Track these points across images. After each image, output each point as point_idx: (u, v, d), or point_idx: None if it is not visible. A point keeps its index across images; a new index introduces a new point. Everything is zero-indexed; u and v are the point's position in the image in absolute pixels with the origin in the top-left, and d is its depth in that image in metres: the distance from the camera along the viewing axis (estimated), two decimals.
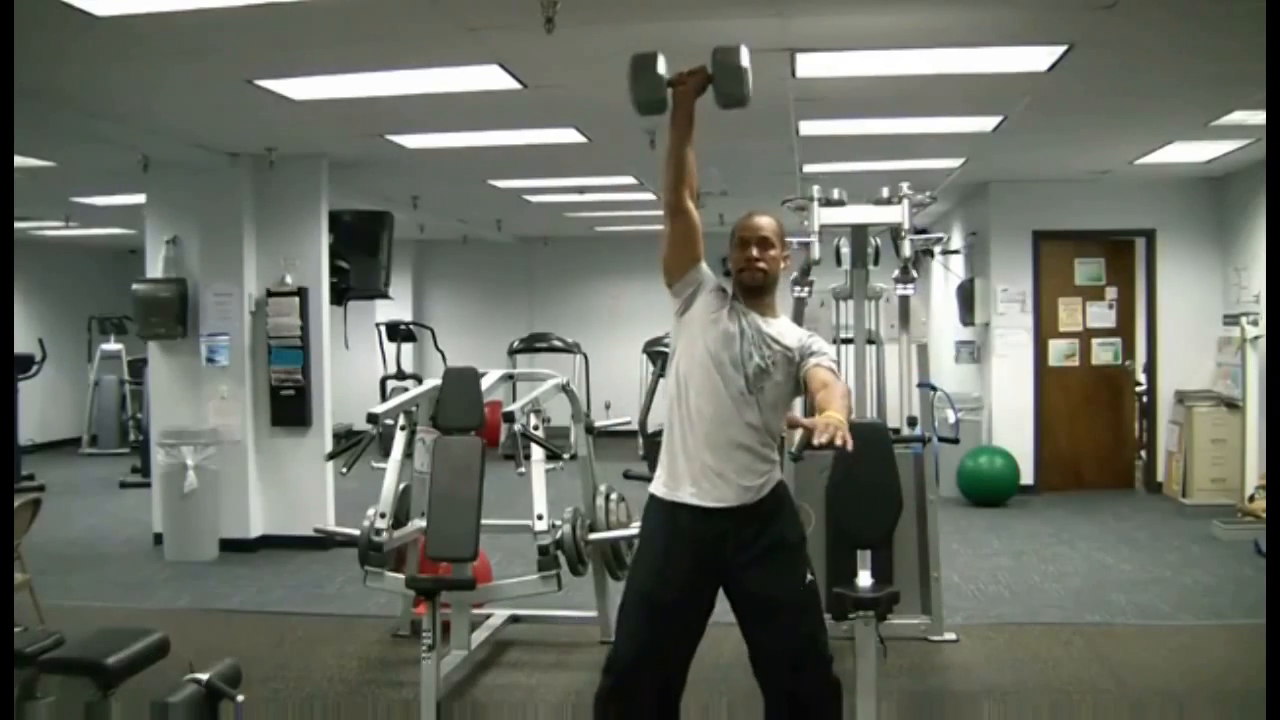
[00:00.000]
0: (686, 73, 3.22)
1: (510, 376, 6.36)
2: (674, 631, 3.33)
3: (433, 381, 5.49)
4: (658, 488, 3.40)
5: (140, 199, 8.26)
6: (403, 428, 5.27)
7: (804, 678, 3.33)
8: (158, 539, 7.91)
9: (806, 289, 5.48)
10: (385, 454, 5.27)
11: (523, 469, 5.22)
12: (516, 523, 5.51)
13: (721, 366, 3.29)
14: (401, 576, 4.99)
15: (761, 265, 3.36)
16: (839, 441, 2.85)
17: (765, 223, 3.42)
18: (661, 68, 3.24)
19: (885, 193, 5.39)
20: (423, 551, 4.93)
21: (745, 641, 3.42)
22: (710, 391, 3.28)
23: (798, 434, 5.36)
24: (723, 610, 3.40)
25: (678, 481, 3.32)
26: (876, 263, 5.60)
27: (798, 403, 3.53)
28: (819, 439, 2.85)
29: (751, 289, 3.39)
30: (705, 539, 3.29)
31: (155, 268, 8.04)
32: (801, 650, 3.32)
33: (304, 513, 7.65)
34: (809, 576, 3.38)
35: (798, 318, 5.59)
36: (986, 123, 6.88)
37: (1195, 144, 7.72)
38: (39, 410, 13.11)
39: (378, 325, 13.49)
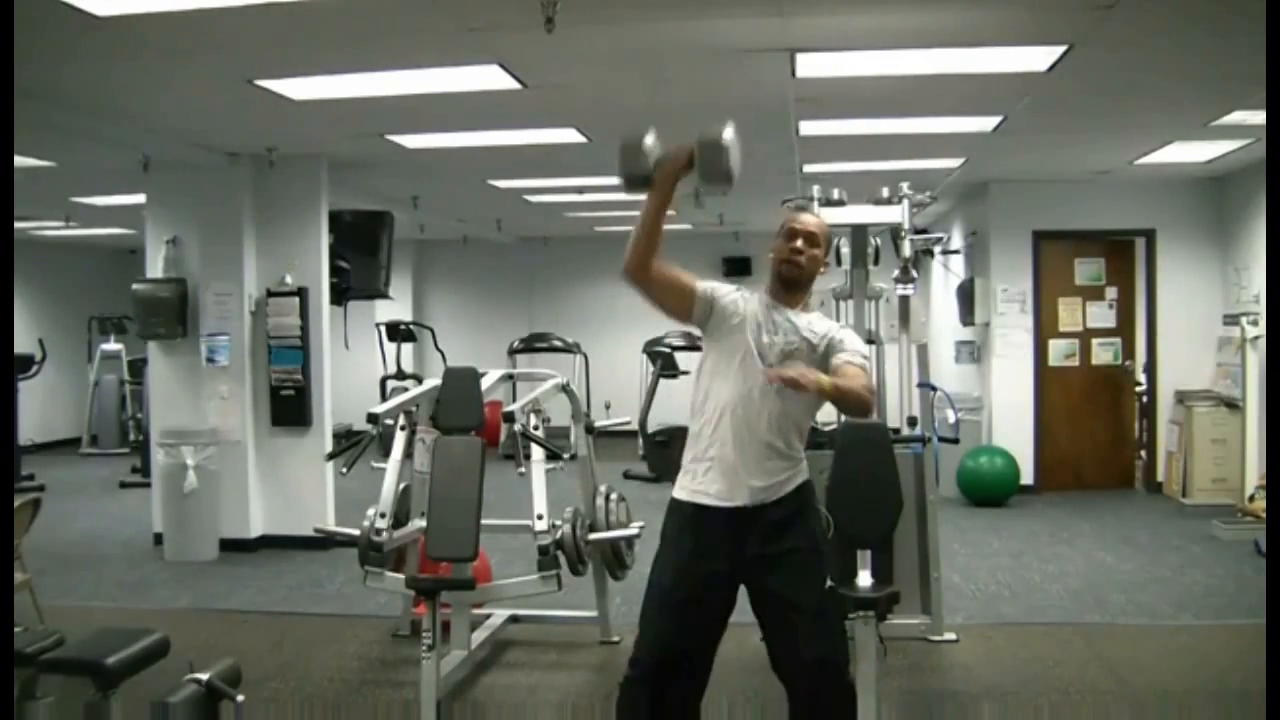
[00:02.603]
0: (673, 150, 3.26)
1: (510, 376, 6.36)
2: (693, 628, 3.35)
3: (433, 381, 5.48)
4: (678, 491, 3.42)
5: (140, 199, 8.25)
6: (403, 428, 5.26)
7: (821, 683, 3.34)
8: (158, 539, 7.91)
9: None
10: (385, 454, 5.27)
11: (523, 469, 5.23)
12: (516, 523, 5.50)
13: (747, 355, 3.31)
14: (401, 576, 4.98)
15: (801, 260, 3.40)
16: (804, 383, 3.04)
17: (815, 222, 3.48)
18: (650, 140, 3.29)
19: (885, 193, 5.40)
20: (423, 551, 4.91)
21: (765, 644, 3.46)
22: (734, 381, 3.31)
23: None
24: (741, 610, 3.41)
25: (697, 482, 3.34)
26: (876, 263, 5.60)
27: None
28: (782, 376, 3.03)
29: (787, 282, 3.42)
30: (725, 539, 3.31)
31: (155, 268, 8.03)
32: (819, 659, 3.33)
33: (304, 513, 7.64)
34: (829, 583, 3.41)
35: None
36: (986, 123, 6.88)
37: (1195, 144, 7.72)
38: (39, 410, 13.09)
39: (378, 325, 13.48)
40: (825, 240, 3.47)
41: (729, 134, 3.23)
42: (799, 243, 3.40)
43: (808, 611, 3.31)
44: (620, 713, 3.44)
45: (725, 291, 3.42)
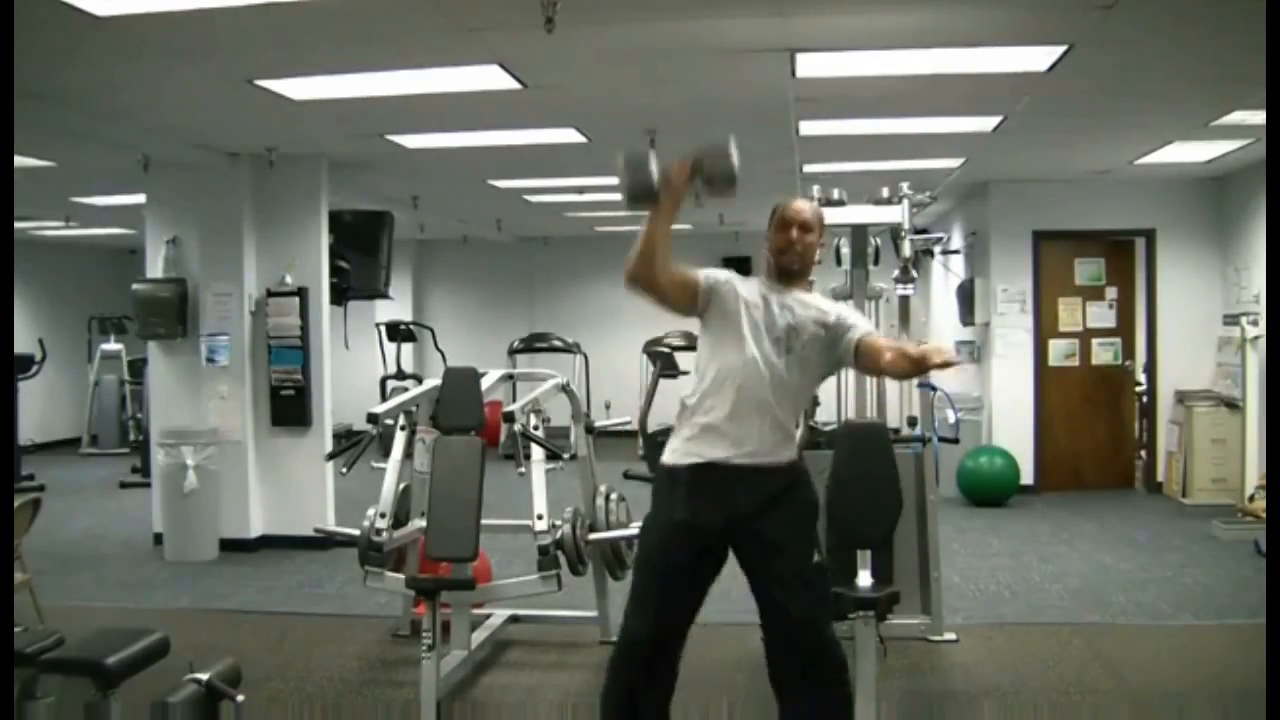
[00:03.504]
0: (675, 163, 3.25)
1: (510, 376, 6.35)
2: (681, 600, 3.36)
3: (433, 381, 5.48)
4: (668, 456, 3.44)
5: (140, 199, 8.24)
6: (403, 428, 5.26)
7: (808, 640, 3.35)
8: (158, 539, 7.89)
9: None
10: (385, 454, 5.27)
11: (523, 469, 5.23)
12: (516, 523, 5.50)
13: (755, 327, 3.34)
14: (401, 576, 4.98)
15: (799, 249, 3.43)
16: (950, 359, 3.12)
17: (809, 208, 3.51)
18: (653, 164, 3.28)
19: (885, 193, 5.39)
20: (423, 551, 4.91)
21: (756, 604, 3.45)
22: (735, 353, 3.33)
23: (798, 433, 5.38)
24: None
25: (690, 445, 3.36)
26: (876, 263, 5.59)
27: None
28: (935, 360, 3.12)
29: (787, 271, 3.44)
30: (718, 492, 3.32)
31: (155, 268, 8.02)
32: (808, 621, 3.34)
33: (304, 513, 7.63)
34: (817, 557, 3.42)
35: None
36: (986, 123, 6.87)
37: (1195, 144, 7.70)
38: (39, 410, 13.07)
39: (378, 325, 13.46)
40: (819, 224, 3.49)
41: (731, 142, 3.24)
42: (794, 232, 3.43)
43: (796, 569, 3.33)
44: (609, 695, 3.44)
45: (723, 277, 3.45)
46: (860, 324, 3.42)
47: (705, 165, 3.24)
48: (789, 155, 7.80)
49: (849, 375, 5.59)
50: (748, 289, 3.42)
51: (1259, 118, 6.57)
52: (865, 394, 5.49)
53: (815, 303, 3.46)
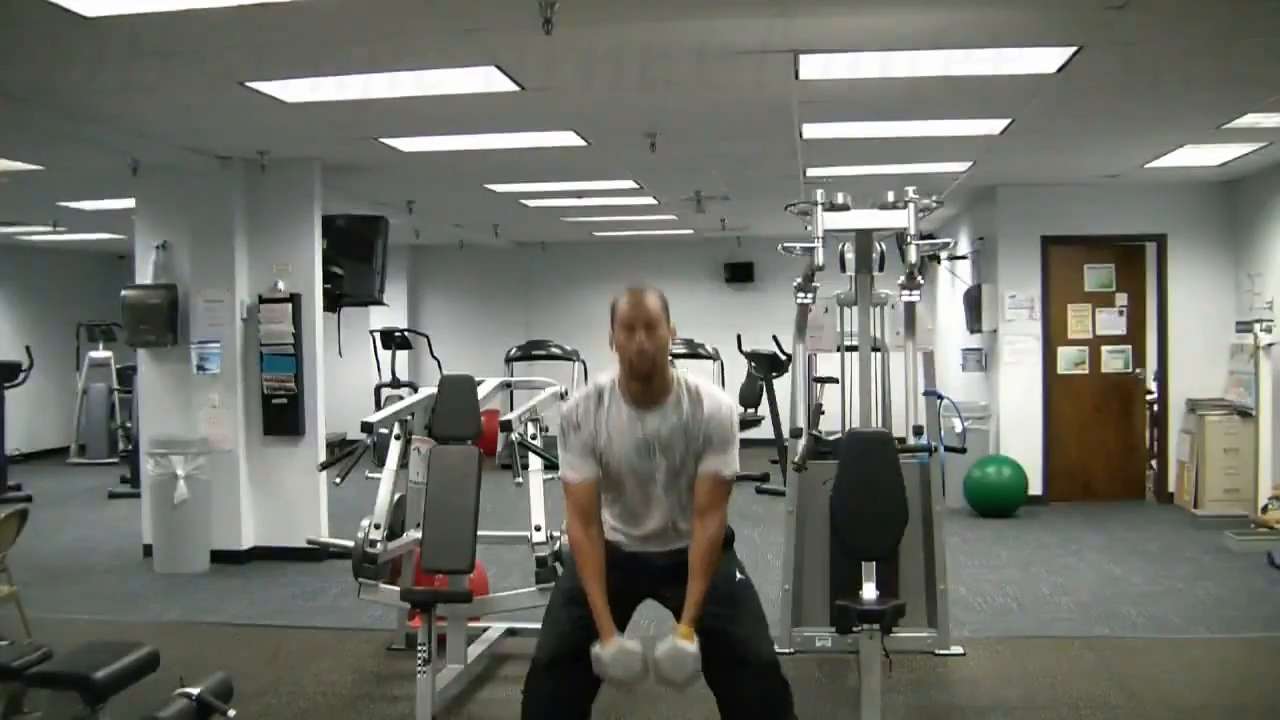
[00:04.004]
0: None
1: (507, 384, 6.39)
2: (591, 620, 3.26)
3: (428, 390, 5.47)
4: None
5: (129, 203, 8.22)
6: (398, 437, 5.23)
7: (750, 675, 3.25)
8: (147, 550, 7.84)
9: (810, 295, 5.39)
10: (380, 464, 5.22)
11: (520, 479, 5.24)
12: (514, 534, 5.51)
13: (633, 475, 3.25)
14: (396, 589, 4.98)
15: (650, 349, 3.19)
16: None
17: (651, 302, 3.22)
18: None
19: (890, 197, 5.30)
20: (418, 563, 4.94)
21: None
22: (624, 492, 3.29)
23: (801, 443, 5.30)
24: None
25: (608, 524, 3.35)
26: (881, 268, 5.51)
27: None
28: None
29: (643, 375, 3.22)
30: (632, 560, 3.32)
31: (145, 273, 7.97)
32: (743, 641, 3.25)
33: (297, 524, 7.57)
34: (739, 575, 3.36)
35: (801, 324, 5.52)
36: (994, 126, 6.82)
37: (1207, 147, 7.66)
38: (26, 419, 12.98)
39: (372, 332, 13.47)
40: (665, 313, 3.25)
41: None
42: (639, 335, 3.19)
43: (723, 596, 3.25)
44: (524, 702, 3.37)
45: (584, 434, 3.28)
46: (719, 446, 3.22)
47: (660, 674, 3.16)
48: (792, 159, 7.76)
49: (853, 383, 5.52)
50: (614, 428, 3.26)
51: (1273, 120, 6.53)
52: (870, 402, 5.41)
53: (683, 411, 3.23)
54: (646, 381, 3.22)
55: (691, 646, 3.09)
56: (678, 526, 3.29)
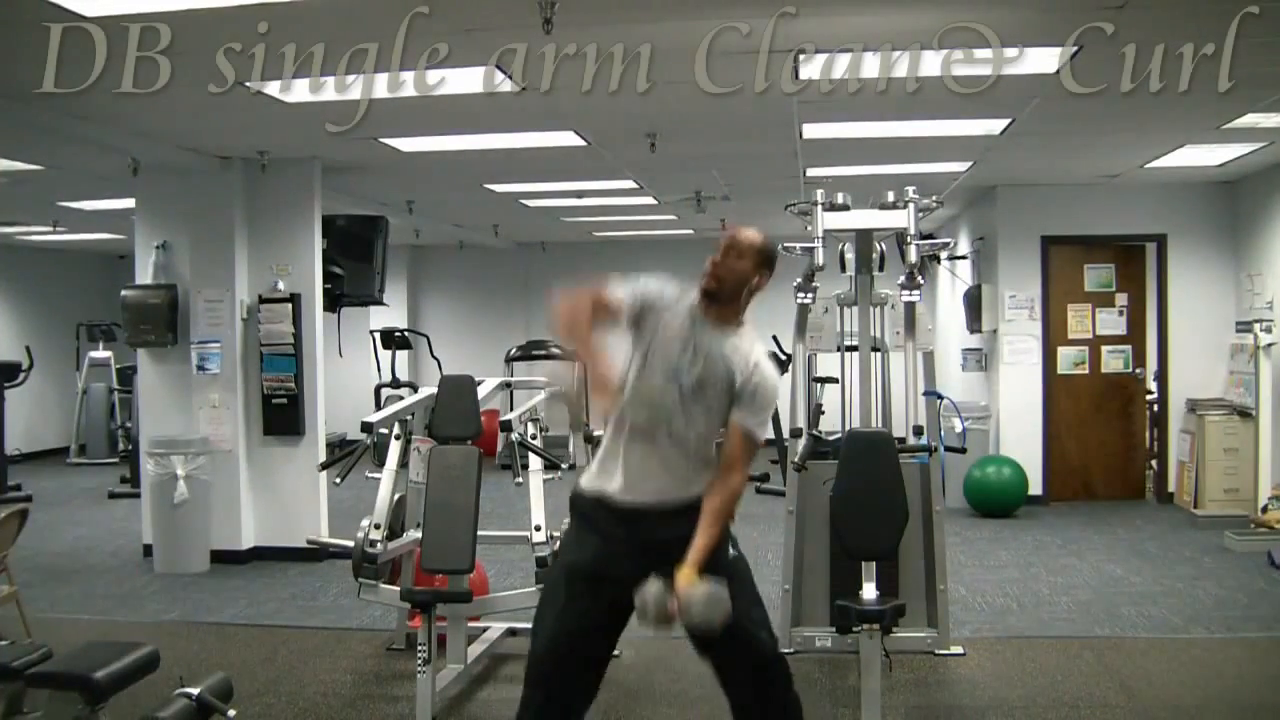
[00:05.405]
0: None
1: (507, 384, 6.35)
2: (590, 598, 3.23)
3: (428, 389, 5.46)
4: (584, 480, 3.36)
5: (129, 203, 8.21)
6: (398, 437, 5.23)
7: (747, 647, 3.24)
8: (147, 550, 7.82)
9: (810, 295, 5.39)
10: (380, 464, 5.22)
11: (520, 479, 5.24)
12: (514, 534, 5.55)
13: (664, 372, 3.21)
14: (396, 589, 4.98)
15: (718, 271, 3.25)
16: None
17: (746, 236, 3.30)
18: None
19: (890, 197, 5.30)
20: (418, 563, 4.93)
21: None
22: (645, 397, 3.22)
23: (801, 443, 5.30)
24: None
25: (602, 478, 3.27)
26: (881, 268, 5.52)
27: None
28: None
29: (706, 293, 3.27)
30: (625, 528, 3.23)
31: (145, 273, 7.95)
32: (740, 614, 3.19)
33: (297, 524, 7.56)
34: (733, 551, 3.31)
35: (801, 324, 5.52)
36: (994, 125, 6.81)
37: (1207, 147, 7.65)
38: (26, 419, 12.99)
39: (372, 332, 13.46)
40: (757, 255, 3.27)
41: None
42: (719, 255, 3.27)
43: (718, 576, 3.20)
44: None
45: (649, 298, 3.31)
46: (748, 401, 3.21)
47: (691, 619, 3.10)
48: (792, 159, 7.75)
49: (853, 383, 5.52)
50: (675, 319, 3.27)
51: (1273, 120, 6.52)
52: (870, 402, 5.41)
53: (738, 354, 3.24)
54: (711, 299, 3.27)
55: (717, 585, 3.05)
56: (675, 492, 3.22)
